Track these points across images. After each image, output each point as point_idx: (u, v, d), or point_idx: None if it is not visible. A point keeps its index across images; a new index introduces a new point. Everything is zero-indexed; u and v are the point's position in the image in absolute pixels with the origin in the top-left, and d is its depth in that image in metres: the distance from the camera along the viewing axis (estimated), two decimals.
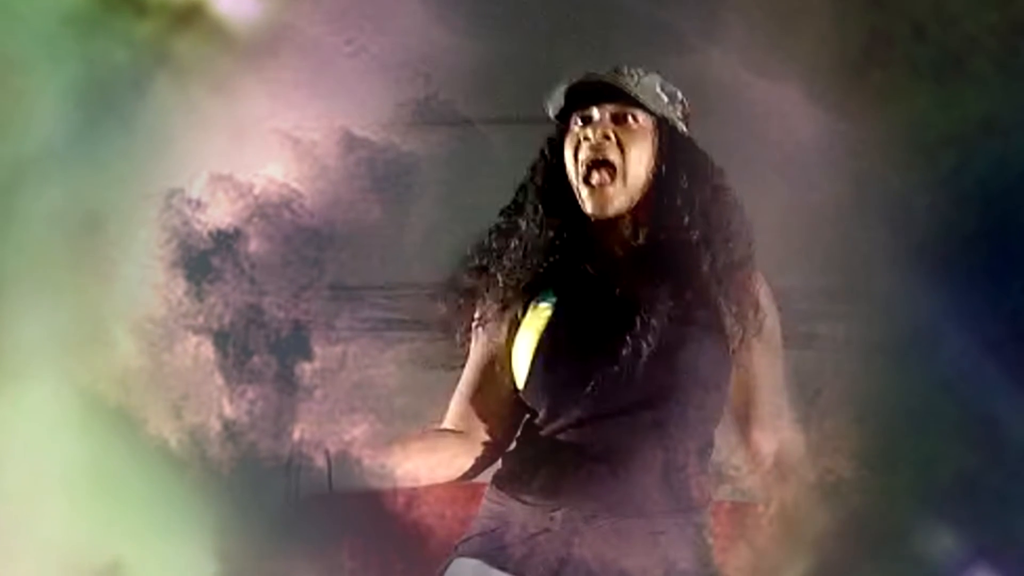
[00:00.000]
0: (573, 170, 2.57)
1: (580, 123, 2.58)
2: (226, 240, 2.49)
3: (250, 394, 2.44)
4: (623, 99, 2.56)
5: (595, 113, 2.57)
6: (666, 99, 2.61)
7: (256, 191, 2.53)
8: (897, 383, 2.35)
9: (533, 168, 2.67)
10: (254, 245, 2.50)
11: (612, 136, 2.55)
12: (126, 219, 2.45)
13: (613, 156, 2.54)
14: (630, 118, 2.56)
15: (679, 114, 2.62)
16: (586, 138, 2.55)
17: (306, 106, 2.61)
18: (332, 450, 2.45)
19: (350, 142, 2.63)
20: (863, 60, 2.39)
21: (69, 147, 2.47)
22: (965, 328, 2.31)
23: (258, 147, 2.57)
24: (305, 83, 2.61)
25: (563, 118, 2.61)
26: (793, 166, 2.52)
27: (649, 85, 2.59)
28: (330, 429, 2.46)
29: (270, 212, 2.53)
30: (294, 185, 2.56)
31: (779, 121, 2.54)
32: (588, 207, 2.56)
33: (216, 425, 2.43)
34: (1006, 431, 2.30)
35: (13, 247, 2.45)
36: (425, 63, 2.70)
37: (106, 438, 2.41)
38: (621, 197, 2.55)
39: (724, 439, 2.58)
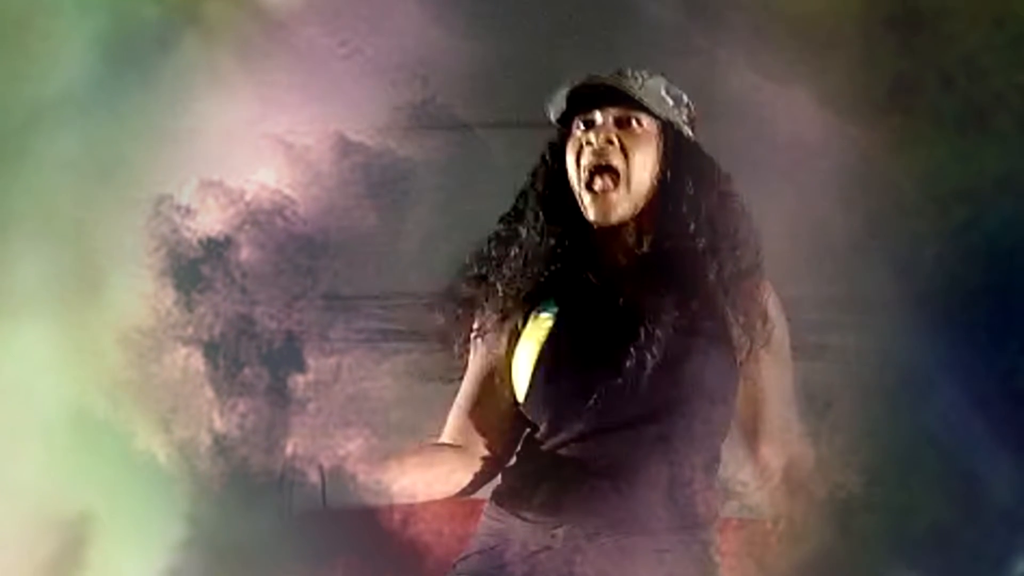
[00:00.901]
0: (575, 176, 2.54)
1: (582, 127, 2.55)
2: (216, 248, 2.47)
3: (241, 407, 2.42)
4: (627, 102, 2.52)
5: (598, 117, 2.54)
6: (671, 102, 2.57)
7: (247, 197, 2.51)
8: (883, 427, 2.38)
9: (534, 174, 2.64)
10: (245, 253, 2.48)
11: (615, 141, 2.52)
12: (115, 220, 2.48)
13: (616, 161, 2.51)
14: (634, 122, 2.53)
15: (685, 118, 2.58)
16: (588, 143, 2.52)
17: (299, 109, 2.60)
18: (326, 465, 2.43)
19: (344, 147, 2.61)
20: (887, 103, 2.40)
21: (89, 96, 2.48)
22: (957, 381, 2.32)
23: (249, 152, 2.55)
24: (298, 86, 2.59)
25: (565, 122, 2.58)
26: (803, 171, 2.49)
27: (654, 88, 2.56)
28: (324, 443, 2.44)
29: (262, 219, 2.51)
30: (287, 191, 2.54)
31: (787, 125, 2.52)
32: (591, 214, 2.53)
33: (206, 439, 2.41)
34: (985, 489, 2.30)
35: (22, 187, 2.46)
36: (422, 65, 2.69)
37: (92, 388, 2.41)
38: (625, 203, 2.52)
39: (731, 454, 2.56)
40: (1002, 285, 2.33)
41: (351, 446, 2.45)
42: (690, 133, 2.58)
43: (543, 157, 2.62)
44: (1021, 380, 2.32)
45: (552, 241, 2.56)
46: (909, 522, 2.33)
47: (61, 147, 2.47)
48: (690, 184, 2.52)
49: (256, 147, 2.56)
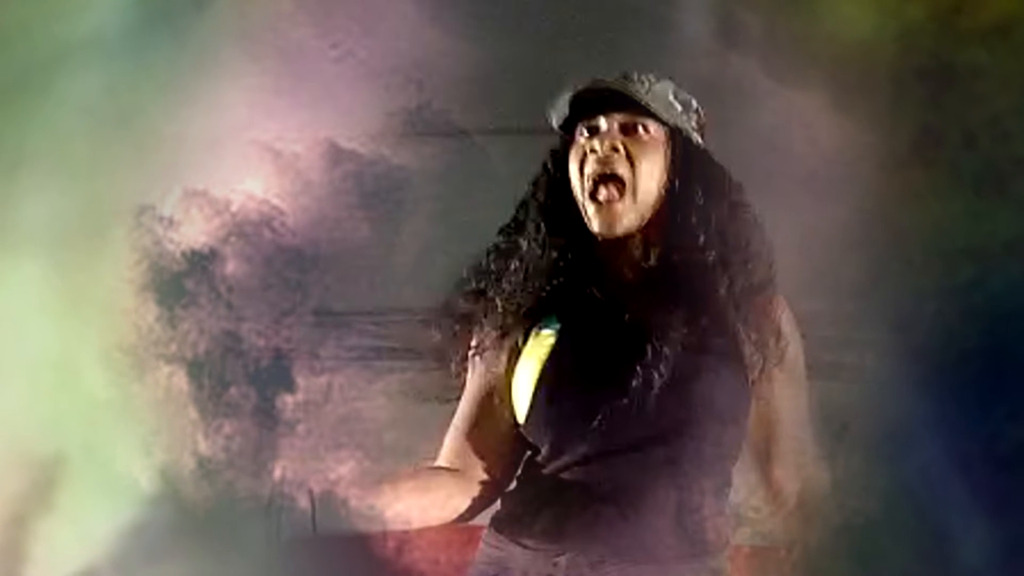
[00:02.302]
0: (579, 185, 2.48)
1: (586, 134, 2.49)
2: (201, 261, 2.45)
3: (227, 429, 2.40)
4: (633, 108, 2.47)
5: (602, 123, 2.48)
6: (679, 108, 2.52)
7: (233, 208, 2.49)
8: (860, 477, 2.40)
9: (535, 183, 2.58)
10: (231, 267, 2.46)
11: (621, 148, 2.46)
12: (126, 168, 2.50)
13: (622, 170, 2.45)
14: (640, 129, 2.48)
15: (694, 124, 2.53)
16: (593, 150, 2.46)
17: (288, 115, 2.58)
18: (316, 490, 2.40)
19: (336, 154, 2.59)
20: (909, 154, 2.43)
21: (118, 42, 2.50)
22: (941, 438, 2.34)
23: (236, 160, 2.53)
24: (287, 90, 2.57)
25: (568, 129, 2.52)
26: (818, 180, 2.47)
27: (661, 93, 2.50)
28: (314, 467, 2.41)
29: (249, 231, 2.49)
30: (275, 201, 2.52)
31: (803, 131, 2.49)
32: (595, 225, 2.47)
33: (190, 462, 2.39)
34: (956, 550, 2.33)
35: (40, 125, 2.47)
36: (418, 68, 2.66)
37: (79, 336, 2.42)
38: (631, 214, 2.46)
39: (743, 478, 2.51)
40: (998, 349, 2.36)
41: (342, 469, 2.42)
42: (699, 140, 2.53)
43: (545, 165, 2.57)
44: (1004, 446, 2.33)
45: (554, 254, 2.52)
46: (875, 573, 2.36)
47: (83, 89, 2.48)
48: (700, 194, 2.47)
49: (243, 155, 2.54)
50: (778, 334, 2.46)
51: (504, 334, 2.51)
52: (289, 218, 2.51)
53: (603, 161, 2.46)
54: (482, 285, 2.54)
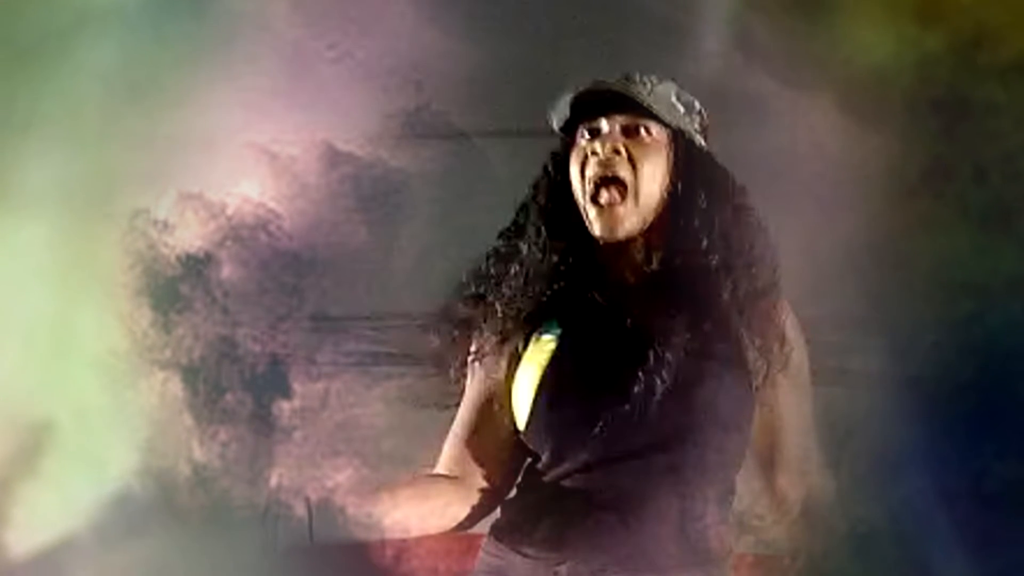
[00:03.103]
0: (580, 188, 2.46)
1: (587, 136, 2.47)
2: (196, 265, 2.45)
3: (222, 436, 2.40)
4: (635, 109, 2.44)
5: (604, 125, 2.46)
6: (682, 109, 2.49)
7: (229, 211, 2.49)
8: (867, 484, 2.41)
9: (535, 186, 2.55)
10: (227, 271, 2.46)
11: (623, 151, 2.44)
12: (135, 139, 2.52)
13: (624, 172, 2.43)
14: (643, 131, 2.46)
15: (697, 126, 2.50)
16: (594, 152, 2.44)
17: (285, 117, 2.58)
18: (313, 498, 2.38)
19: (333, 157, 2.59)
20: (919, 184, 2.45)
21: (137, 13, 2.52)
22: (929, 472, 2.36)
23: (231, 163, 2.53)
24: (283, 92, 2.56)
25: (568, 131, 2.50)
26: (826, 202, 2.47)
27: (664, 94, 2.47)
28: (311, 474, 2.41)
29: (244, 234, 2.49)
30: (271, 205, 2.52)
31: (814, 151, 2.51)
32: (596, 229, 2.45)
33: (185, 470, 2.39)
34: None
35: (54, 89, 2.49)
36: (416, 69, 2.67)
37: (76, 303, 2.43)
38: (633, 218, 2.44)
39: (747, 485, 2.49)
40: (991, 386, 2.38)
41: (340, 477, 2.41)
42: (702, 142, 2.51)
43: (545, 168, 2.54)
44: (991, 483, 2.35)
45: (555, 258, 2.49)
46: None
47: (99, 58, 2.50)
48: (703, 197, 2.45)
49: (239, 157, 2.54)
50: (782, 339, 2.43)
51: (504, 339, 2.49)
52: (285, 221, 2.51)
53: (604, 164, 2.44)
54: (482, 290, 2.52)
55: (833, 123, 2.48)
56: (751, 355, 2.41)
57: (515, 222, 2.56)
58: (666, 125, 2.47)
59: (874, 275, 2.44)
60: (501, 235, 2.56)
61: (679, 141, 2.47)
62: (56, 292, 2.44)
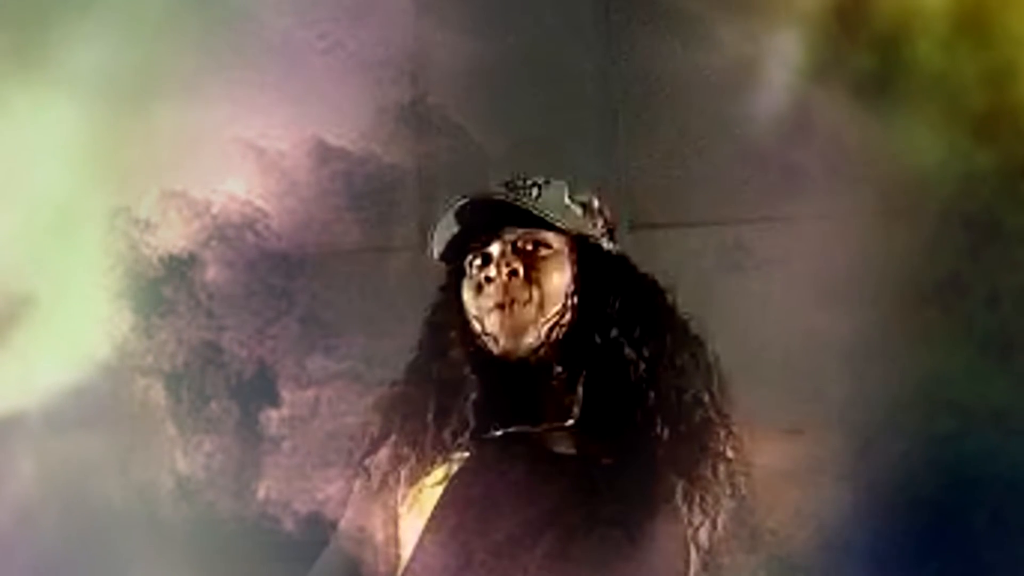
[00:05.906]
0: (476, 316, 2.19)
1: (479, 262, 2.21)
2: (179, 267, 2.48)
3: (207, 446, 2.43)
4: (525, 221, 2.19)
5: (495, 249, 2.20)
6: (579, 211, 2.22)
7: (214, 210, 2.52)
8: None
9: (434, 307, 2.30)
10: (212, 273, 2.48)
11: (520, 271, 2.17)
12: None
13: (524, 295, 2.15)
14: (540, 246, 2.19)
15: (601, 228, 2.25)
16: (488, 279, 2.18)
17: (272, 111, 2.61)
18: (303, 511, 2.36)
19: (323, 153, 2.60)
20: (932, 294, 2.48)
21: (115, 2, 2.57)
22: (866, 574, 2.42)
23: (217, 159, 2.56)
24: (271, 84, 2.60)
25: (456, 257, 2.24)
26: (838, 274, 2.48)
27: (555, 199, 2.21)
28: (300, 486, 2.43)
29: (231, 234, 2.50)
30: (258, 203, 2.55)
31: (836, 221, 2.53)
32: (499, 345, 2.17)
33: (168, 482, 2.43)
34: None
35: None
36: (411, 61, 2.68)
37: (86, 191, 2.45)
38: (538, 330, 2.15)
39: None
40: (951, 508, 2.42)
41: (331, 489, 2.28)
42: (610, 245, 2.25)
43: (441, 289, 2.28)
44: None
45: (460, 380, 2.20)
46: None
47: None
48: (616, 305, 2.19)
49: (224, 153, 2.58)
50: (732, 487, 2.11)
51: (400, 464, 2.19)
52: (274, 221, 2.52)
53: (502, 289, 2.16)
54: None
55: (863, 214, 2.45)
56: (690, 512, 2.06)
57: (420, 342, 2.28)
58: (563, 232, 2.21)
59: (864, 373, 2.44)
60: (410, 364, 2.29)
61: (582, 246, 2.22)
62: (68, 175, 2.47)
